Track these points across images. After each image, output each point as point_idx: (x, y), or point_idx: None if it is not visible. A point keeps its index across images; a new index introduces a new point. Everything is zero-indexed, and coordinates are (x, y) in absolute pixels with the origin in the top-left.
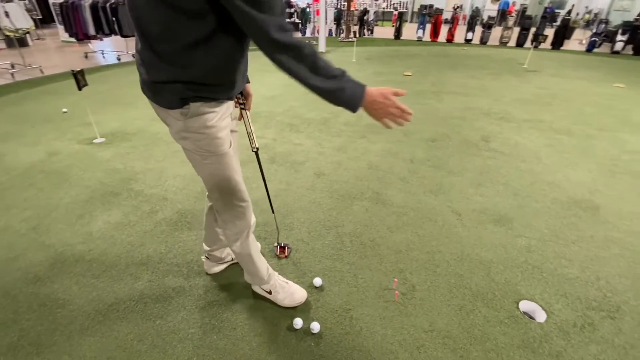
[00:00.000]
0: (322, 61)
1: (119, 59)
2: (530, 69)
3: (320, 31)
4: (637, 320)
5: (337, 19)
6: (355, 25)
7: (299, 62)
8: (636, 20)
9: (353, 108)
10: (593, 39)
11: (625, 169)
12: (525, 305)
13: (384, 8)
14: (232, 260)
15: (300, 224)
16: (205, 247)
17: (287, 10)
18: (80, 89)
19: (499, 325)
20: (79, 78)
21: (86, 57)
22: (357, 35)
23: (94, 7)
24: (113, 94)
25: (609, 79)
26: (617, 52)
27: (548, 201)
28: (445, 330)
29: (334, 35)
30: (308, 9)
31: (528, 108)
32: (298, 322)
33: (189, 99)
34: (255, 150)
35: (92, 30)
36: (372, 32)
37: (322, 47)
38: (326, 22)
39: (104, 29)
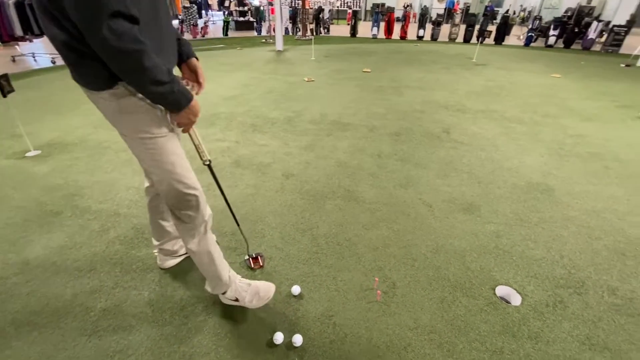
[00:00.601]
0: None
1: (53, 62)
2: (478, 63)
3: (276, 30)
4: (599, 294)
5: (293, 18)
6: (311, 23)
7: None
8: (564, 16)
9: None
10: (530, 34)
11: (571, 151)
12: (501, 291)
13: (338, 7)
14: (186, 253)
15: (272, 229)
16: (155, 242)
17: (241, 8)
18: (4, 95)
19: (480, 314)
20: (3, 84)
21: (13, 60)
22: (314, 34)
23: (19, 5)
24: (48, 101)
25: (547, 70)
26: (550, 46)
27: (509, 186)
28: (430, 325)
29: (290, 33)
30: (262, 8)
31: (480, 99)
32: (279, 337)
33: (116, 77)
34: (208, 163)
35: (19, 31)
36: (328, 30)
37: (279, 45)
38: (282, 21)
39: (33, 29)
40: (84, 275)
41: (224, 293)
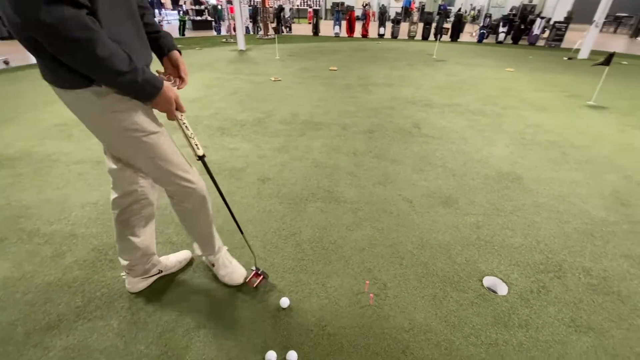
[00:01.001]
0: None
1: (6, 63)
2: (439, 59)
3: (237, 29)
4: (576, 275)
5: (253, 16)
6: (272, 22)
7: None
8: (510, 14)
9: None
10: (482, 31)
11: (532, 140)
12: (488, 281)
13: (298, 5)
14: (159, 272)
15: (253, 238)
16: (123, 262)
17: (197, 7)
18: None
19: (471, 307)
20: None
21: None
22: (277, 32)
23: None
24: None
25: (501, 64)
26: (500, 42)
27: (481, 177)
28: (425, 324)
29: (251, 32)
30: (220, 6)
31: (445, 94)
32: (272, 357)
33: None
34: (201, 157)
35: None
36: (290, 29)
37: (241, 45)
38: (242, 20)
39: None
40: (38, 309)
41: (208, 255)
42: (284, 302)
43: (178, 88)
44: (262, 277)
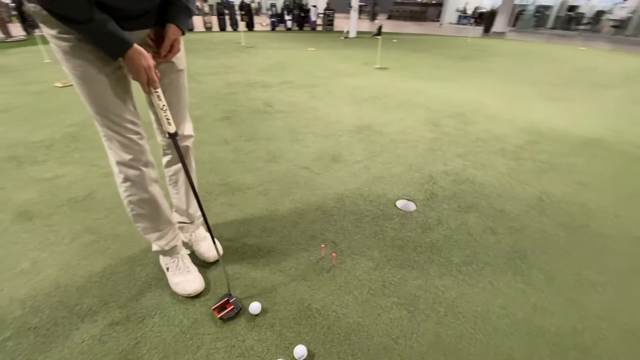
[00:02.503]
0: None
1: None
2: (248, 46)
3: None
4: (442, 178)
5: None
6: (9, 21)
7: None
8: (287, 4)
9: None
10: (272, 19)
11: (360, 98)
12: (400, 204)
13: None
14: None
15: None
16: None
17: None
18: None
19: (403, 228)
20: None
21: None
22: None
23: None
24: None
25: (302, 46)
26: (290, 29)
27: (346, 133)
28: (384, 256)
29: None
30: None
31: (274, 74)
32: (302, 351)
33: None
34: (172, 133)
35: None
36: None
37: None
38: None
39: None
40: None
41: (161, 254)
42: (255, 308)
43: (154, 63)
44: (232, 307)
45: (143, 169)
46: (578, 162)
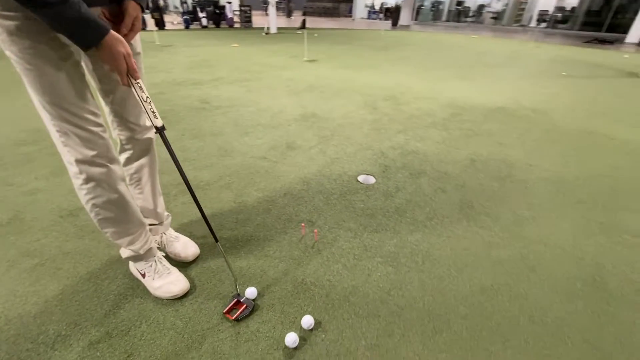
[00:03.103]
0: None
1: None
2: (165, 45)
3: None
4: (391, 152)
5: None
6: None
7: None
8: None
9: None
10: (185, 17)
11: (297, 89)
12: (361, 179)
13: None
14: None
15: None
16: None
17: None
18: None
19: (369, 199)
20: None
21: None
22: None
23: None
24: None
25: (224, 43)
26: (206, 27)
27: (292, 122)
28: (354, 229)
29: None
30: None
31: (202, 71)
32: (306, 322)
33: None
34: (159, 127)
35: None
36: None
37: None
38: None
39: None
40: None
41: (133, 260)
42: (251, 292)
43: None
44: (245, 306)
45: (110, 165)
46: (493, 127)
